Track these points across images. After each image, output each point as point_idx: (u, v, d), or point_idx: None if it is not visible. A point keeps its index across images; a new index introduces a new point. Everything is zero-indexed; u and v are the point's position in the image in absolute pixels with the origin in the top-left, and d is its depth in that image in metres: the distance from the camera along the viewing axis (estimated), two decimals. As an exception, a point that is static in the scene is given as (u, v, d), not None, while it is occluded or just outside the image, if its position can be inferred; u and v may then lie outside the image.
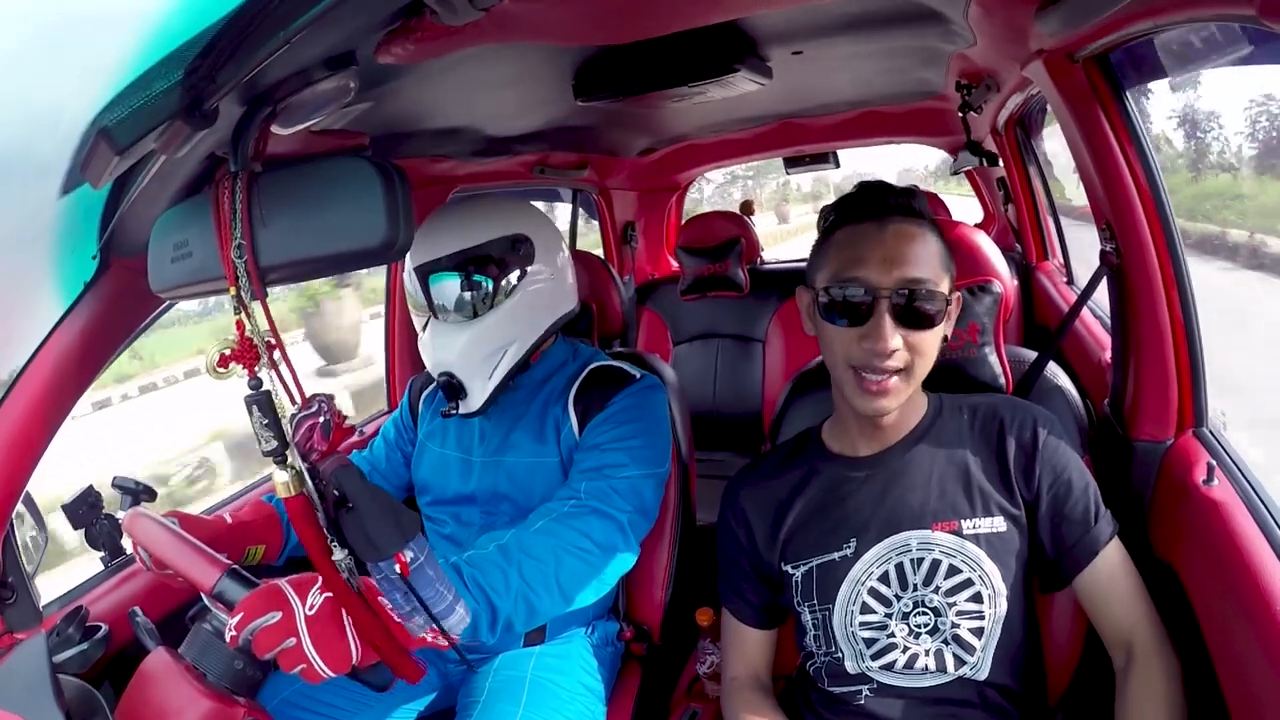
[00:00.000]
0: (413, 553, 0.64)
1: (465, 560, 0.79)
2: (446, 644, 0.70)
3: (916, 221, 0.82)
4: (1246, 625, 0.71)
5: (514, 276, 1.03)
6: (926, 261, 0.80)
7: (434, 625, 0.68)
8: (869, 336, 0.79)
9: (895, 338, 0.78)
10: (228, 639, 0.66)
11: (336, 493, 0.63)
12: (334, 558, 0.64)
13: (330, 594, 0.68)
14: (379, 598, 0.68)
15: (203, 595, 0.73)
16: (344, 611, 0.68)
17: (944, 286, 0.82)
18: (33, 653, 0.70)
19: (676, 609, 1.21)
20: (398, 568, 0.64)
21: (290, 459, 0.63)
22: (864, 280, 0.79)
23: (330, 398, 0.65)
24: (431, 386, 1.22)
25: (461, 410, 1.06)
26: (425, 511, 1.19)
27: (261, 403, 0.62)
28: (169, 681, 0.68)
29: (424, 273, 1.04)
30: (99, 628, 0.87)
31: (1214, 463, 0.88)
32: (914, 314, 0.79)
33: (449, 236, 1.03)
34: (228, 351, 0.63)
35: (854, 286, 0.80)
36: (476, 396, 1.05)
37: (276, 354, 0.63)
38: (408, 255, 1.04)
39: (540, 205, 1.24)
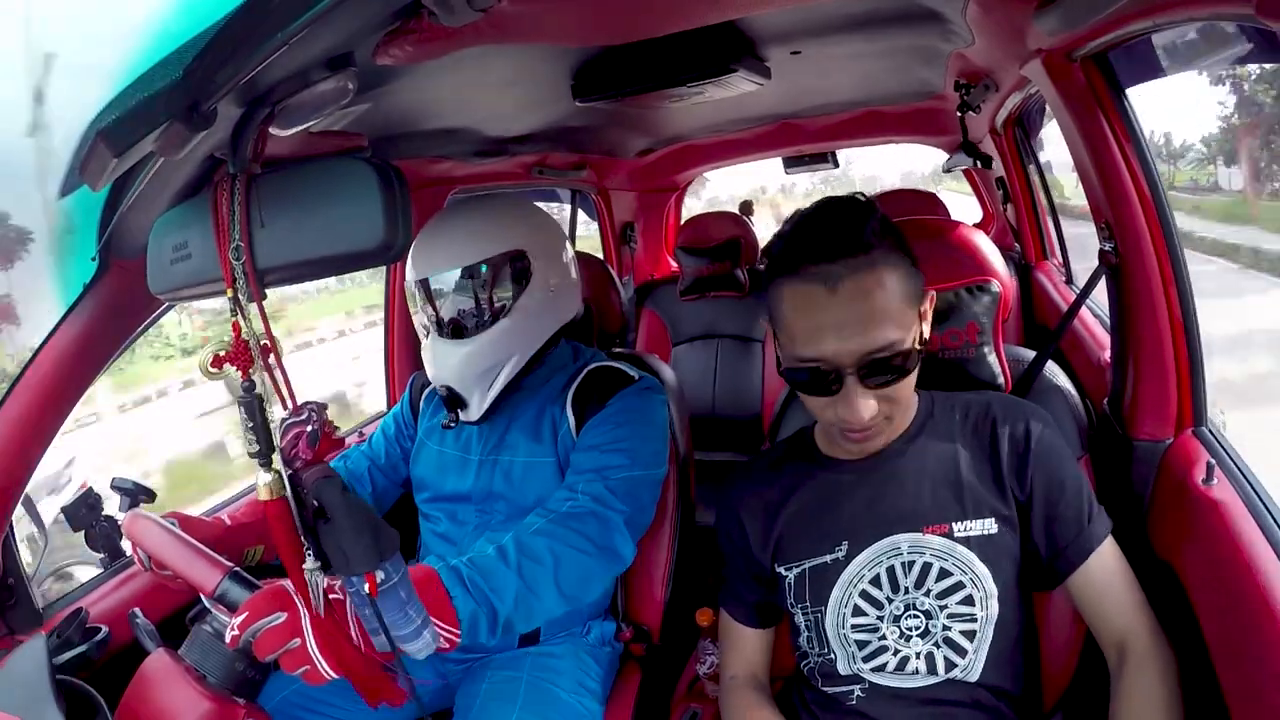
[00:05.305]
0: (384, 573, 0.64)
1: (465, 562, 0.79)
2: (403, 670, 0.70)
3: (869, 264, 0.73)
4: (1246, 625, 0.71)
5: (510, 295, 1.04)
6: (888, 316, 0.74)
7: (395, 648, 0.67)
8: (841, 407, 0.77)
9: (869, 407, 0.76)
10: (228, 639, 0.66)
11: (315, 503, 0.63)
12: (304, 566, 0.64)
13: (336, 596, 0.68)
14: (346, 612, 0.68)
15: (203, 597, 0.73)
16: (350, 613, 0.68)
17: (911, 333, 0.76)
18: (33, 654, 0.70)
19: (676, 609, 1.21)
20: (367, 586, 0.63)
21: (274, 463, 0.63)
22: (826, 359, 0.75)
23: (323, 406, 0.65)
24: (433, 386, 1.23)
25: (462, 419, 1.08)
26: (422, 508, 1.19)
27: (252, 405, 0.62)
28: (169, 683, 0.68)
29: (424, 285, 1.06)
30: (99, 629, 0.87)
31: (1214, 462, 0.88)
32: (885, 374, 0.76)
33: (446, 249, 1.04)
34: (222, 353, 0.63)
35: (818, 364, 0.75)
36: (476, 407, 1.06)
37: (271, 358, 0.63)
38: (409, 265, 1.06)
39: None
